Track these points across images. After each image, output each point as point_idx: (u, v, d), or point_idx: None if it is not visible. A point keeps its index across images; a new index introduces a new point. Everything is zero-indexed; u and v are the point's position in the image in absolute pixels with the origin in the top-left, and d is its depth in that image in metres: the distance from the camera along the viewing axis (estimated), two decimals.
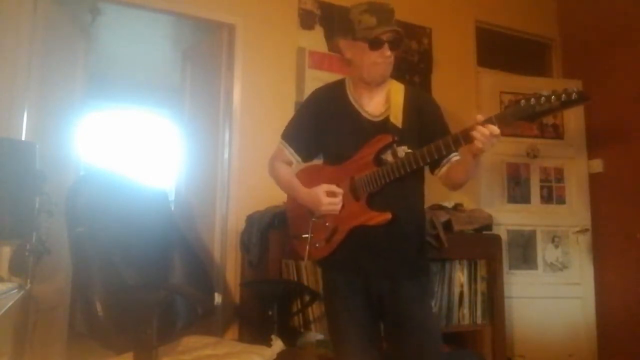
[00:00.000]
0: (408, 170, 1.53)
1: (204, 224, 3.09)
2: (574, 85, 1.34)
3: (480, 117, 1.44)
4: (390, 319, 1.67)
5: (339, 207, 1.63)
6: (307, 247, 1.73)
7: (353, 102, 1.72)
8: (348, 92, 1.75)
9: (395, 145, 1.61)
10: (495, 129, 1.40)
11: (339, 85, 1.79)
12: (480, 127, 1.40)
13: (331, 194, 1.63)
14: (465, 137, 1.45)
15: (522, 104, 1.35)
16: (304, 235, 1.75)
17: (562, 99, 1.30)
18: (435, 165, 1.66)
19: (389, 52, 1.61)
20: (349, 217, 1.63)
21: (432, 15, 3.59)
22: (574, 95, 1.29)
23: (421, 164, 1.53)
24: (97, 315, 1.63)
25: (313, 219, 1.72)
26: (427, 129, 1.66)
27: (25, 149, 1.87)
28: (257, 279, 2.57)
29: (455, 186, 1.71)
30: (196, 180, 3.35)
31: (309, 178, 1.76)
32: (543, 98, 1.32)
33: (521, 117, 1.37)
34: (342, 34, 1.69)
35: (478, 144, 1.41)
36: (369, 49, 1.60)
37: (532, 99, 1.33)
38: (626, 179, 3.45)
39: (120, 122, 5.55)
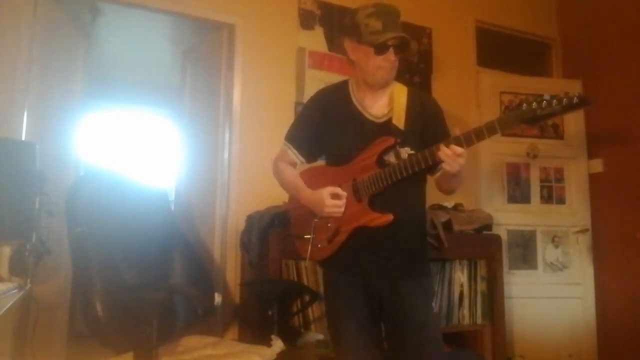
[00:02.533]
0: (410, 172, 1.53)
1: (204, 224, 3.09)
2: (574, 85, 1.35)
3: (456, 130, 1.47)
4: (391, 320, 1.67)
5: (342, 210, 1.63)
6: (309, 247, 1.73)
7: (356, 104, 1.73)
8: (351, 93, 1.75)
9: (397, 146, 1.61)
10: (458, 150, 1.43)
11: (342, 87, 1.79)
12: (443, 148, 1.44)
13: (335, 197, 1.63)
14: (432, 156, 1.49)
15: (523, 108, 1.36)
16: (306, 236, 1.75)
17: (564, 103, 1.31)
18: (432, 169, 1.66)
19: (393, 57, 1.62)
20: (351, 218, 1.63)
21: (432, 15, 3.59)
22: (575, 100, 1.30)
23: (423, 167, 1.53)
24: (97, 315, 1.63)
25: (315, 220, 1.72)
26: (429, 130, 1.66)
27: (25, 149, 1.87)
28: (257, 279, 2.57)
29: (444, 192, 1.74)
30: (196, 180, 3.35)
31: (312, 179, 1.76)
32: (545, 102, 1.33)
33: (523, 121, 1.38)
34: (347, 35, 1.69)
35: (445, 165, 1.45)
36: (374, 53, 1.61)
37: (534, 103, 1.34)
38: (626, 179, 3.45)
39: (120, 122, 5.55)
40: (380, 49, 1.59)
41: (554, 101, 1.31)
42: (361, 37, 1.61)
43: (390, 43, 1.59)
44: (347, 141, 1.69)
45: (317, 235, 1.72)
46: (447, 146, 1.44)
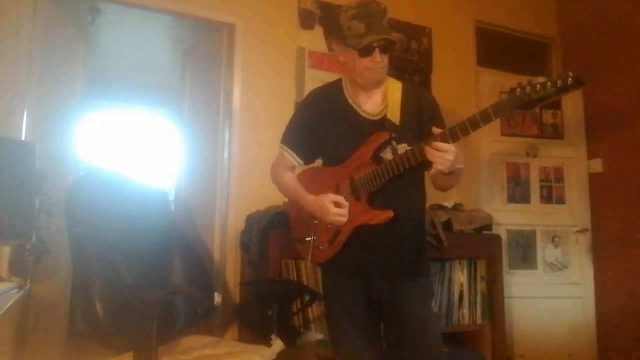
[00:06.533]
0: (407, 166, 1.51)
1: (204, 224, 3.09)
2: None
3: (436, 130, 1.43)
4: (391, 320, 1.67)
5: (345, 219, 1.60)
6: (311, 251, 1.72)
7: (350, 102, 1.72)
8: (345, 92, 1.74)
9: (394, 142, 1.59)
10: (447, 147, 1.39)
11: (336, 86, 1.78)
12: (428, 149, 1.41)
13: (337, 205, 1.61)
14: (421, 153, 1.45)
15: (517, 93, 1.33)
16: (307, 239, 1.73)
17: (558, 85, 1.28)
18: (428, 164, 1.62)
19: (379, 58, 1.59)
20: (351, 217, 1.61)
21: (432, 15, 3.59)
22: (569, 81, 1.26)
23: (415, 162, 1.50)
24: (97, 315, 1.62)
25: (315, 222, 1.71)
26: (426, 125, 1.62)
27: (25, 149, 1.87)
28: (257, 279, 2.57)
29: (438, 188, 1.70)
30: (196, 180, 3.35)
31: (310, 181, 1.76)
32: (538, 85, 1.30)
33: (517, 106, 1.34)
34: (334, 38, 1.67)
35: (436, 165, 1.42)
36: (359, 56, 1.59)
37: (528, 87, 1.31)
38: (626, 179, 3.45)
39: (120, 122, 5.56)
40: (365, 52, 1.57)
41: (548, 84, 1.28)
42: (346, 40, 1.59)
43: (374, 45, 1.56)
44: (343, 140, 1.68)
45: (319, 238, 1.71)
46: (431, 145, 1.41)
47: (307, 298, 2.47)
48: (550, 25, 4.05)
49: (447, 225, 2.82)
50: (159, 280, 2.00)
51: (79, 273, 1.72)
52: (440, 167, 1.43)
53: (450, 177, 1.55)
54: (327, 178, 1.70)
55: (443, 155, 1.40)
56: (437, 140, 1.42)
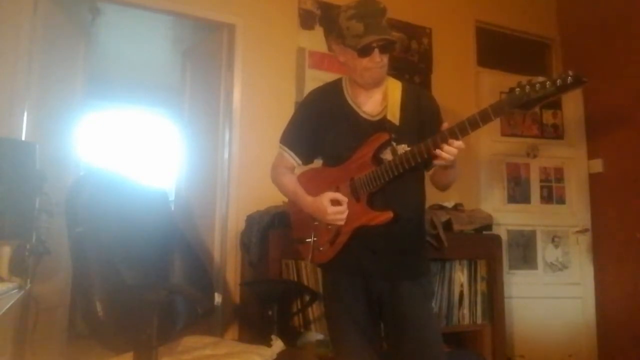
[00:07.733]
0: (407, 167, 1.51)
1: (204, 224, 3.09)
2: None
3: (445, 125, 1.44)
4: (391, 320, 1.67)
5: (344, 216, 1.60)
6: (311, 251, 1.72)
7: (350, 102, 1.71)
8: (345, 92, 1.74)
9: (394, 143, 1.59)
10: (462, 145, 1.41)
11: (336, 86, 1.78)
12: (439, 152, 1.42)
13: (336, 203, 1.61)
14: (427, 150, 1.46)
15: (517, 92, 1.32)
16: (307, 240, 1.73)
17: (558, 84, 1.27)
18: (428, 164, 1.63)
19: (379, 58, 1.59)
20: (351, 218, 1.61)
21: (432, 15, 3.59)
22: (569, 79, 1.26)
23: (417, 161, 1.50)
24: (97, 315, 1.62)
25: (315, 222, 1.70)
26: (426, 126, 1.63)
27: (25, 149, 1.87)
28: (257, 279, 2.57)
29: (439, 187, 1.71)
30: (196, 180, 3.35)
31: (310, 181, 1.75)
32: (538, 85, 1.29)
33: (517, 106, 1.33)
34: (333, 38, 1.67)
35: (441, 160, 1.44)
36: (358, 57, 1.59)
37: (527, 86, 1.31)
38: (626, 179, 3.45)
39: (120, 122, 5.56)
40: (364, 52, 1.57)
41: (548, 83, 1.28)
42: (345, 40, 1.59)
43: (373, 45, 1.56)
44: (343, 140, 1.68)
45: (319, 238, 1.71)
46: (442, 145, 1.42)
47: (307, 298, 2.47)
48: (550, 25, 4.05)
49: (447, 225, 2.82)
50: (159, 280, 2.00)
51: (79, 273, 1.72)
52: (444, 163, 1.45)
53: (450, 172, 1.57)
54: (327, 179, 1.70)
55: (452, 151, 1.42)
56: (437, 139, 1.43)
